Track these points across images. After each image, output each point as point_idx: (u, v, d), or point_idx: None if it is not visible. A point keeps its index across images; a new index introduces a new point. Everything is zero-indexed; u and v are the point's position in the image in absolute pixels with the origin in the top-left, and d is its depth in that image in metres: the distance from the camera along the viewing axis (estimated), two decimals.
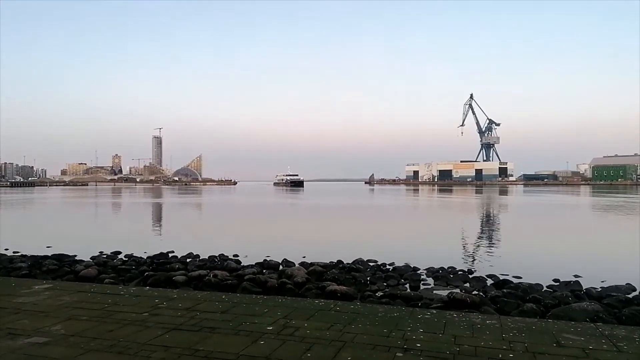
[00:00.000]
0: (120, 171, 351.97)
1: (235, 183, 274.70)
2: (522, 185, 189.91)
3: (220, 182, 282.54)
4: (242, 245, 17.58)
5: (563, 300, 8.96)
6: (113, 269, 12.48)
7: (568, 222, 33.37)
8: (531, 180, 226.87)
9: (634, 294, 10.18)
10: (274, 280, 10.51)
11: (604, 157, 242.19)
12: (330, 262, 13.31)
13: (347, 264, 13.19)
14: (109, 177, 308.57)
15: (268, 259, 13.80)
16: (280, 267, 12.96)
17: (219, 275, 10.77)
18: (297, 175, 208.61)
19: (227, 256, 14.70)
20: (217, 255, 14.76)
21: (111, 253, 15.60)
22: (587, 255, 17.50)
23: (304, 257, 14.42)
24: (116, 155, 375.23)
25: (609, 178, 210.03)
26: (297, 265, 13.01)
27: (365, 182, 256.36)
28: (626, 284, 10.95)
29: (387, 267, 13.40)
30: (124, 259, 14.44)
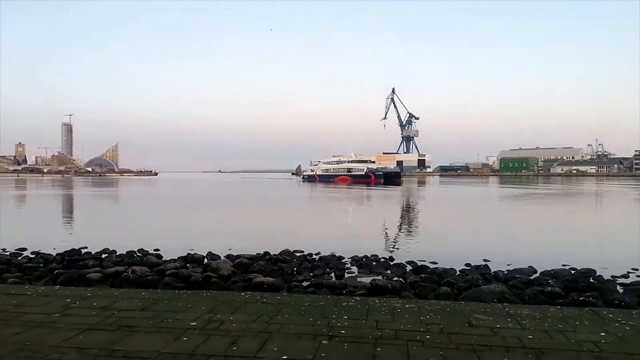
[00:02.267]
0: (25, 161, 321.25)
1: (155, 174, 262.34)
2: (439, 176, 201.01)
3: (140, 173, 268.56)
4: (164, 239, 16.91)
5: (474, 283, 9.66)
6: (17, 268, 11.44)
7: (478, 211, 35.92)
8: (446, 172, 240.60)
9: (535, 275, 11.21)
10: (198, 274, 10.23)
11: (510, 150, 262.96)
12: (257, 253, 13.23)
13: (274, 255, 13.18)
14: (11, 168, 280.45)
15: (192, 252, 13.39)
16: (205, 260, 12.65)
17: (138, 272, 10.27)
18: (373, 162, 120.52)
19: (147, 251, 14.05)
20: (136, 250, 14.06)
21: (15, 250, 14.29)
22: (495, 240, 18.97)
23: (230, 249, 14.20)
24: (20, 143, 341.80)
25: (514, 169, 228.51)
26: (222, 258, 12.77)
27: (293, 174, 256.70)
28: (528, 266, 12.01)
29: (314, 257, 13.59)
30: (30, 256, 13.29)
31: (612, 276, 11.05)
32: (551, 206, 40.31)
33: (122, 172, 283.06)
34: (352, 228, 24.00)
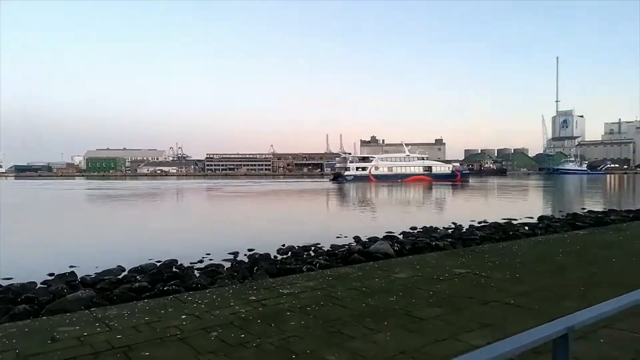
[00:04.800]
0: None
1: None
2: (14, 178, 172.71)
3: None
4: None
5: (58, 294, 8.85)
6: None
7: (60, 214, 33.15)
8: (24, 172, 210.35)
9: (123, 274, 11.38)
10: None
11: (98, 149, 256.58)
12: None
13: None
14: None
15: None
16: None
17: None
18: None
19: None
20: None
21: None
22: (81, 244, 18.00)
23: None
24: None
25: (102, 169, 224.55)
26: None
27: None
28: (117, 266, 12.06)
29: None
30: None
31: (190, 263, 12.63)
32: (137, 206, 41.99)
33: None
34: None
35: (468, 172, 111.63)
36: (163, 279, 10.11)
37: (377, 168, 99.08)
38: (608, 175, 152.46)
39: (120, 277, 10.90)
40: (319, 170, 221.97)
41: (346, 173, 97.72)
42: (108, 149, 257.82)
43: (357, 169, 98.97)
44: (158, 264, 12.24)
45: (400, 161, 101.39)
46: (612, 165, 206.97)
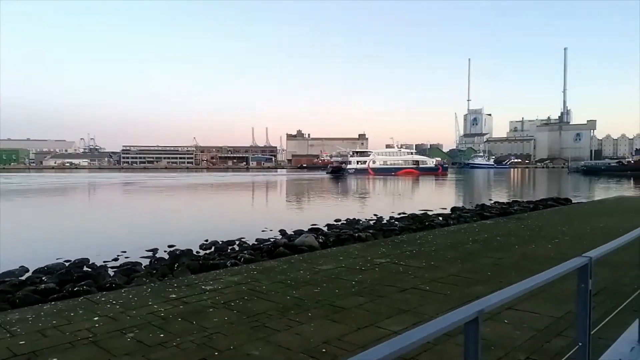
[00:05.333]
0: None
1: None
2: None
3: None
4: None
5: None
6: None
7: None
8: None
9: (27, 275, 10.46)
10: None
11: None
12: None
13: None
14: None
15: None
16: None
17: None
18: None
19: None
20: None
21: None
22: None
23: None
24: None
25: (2, 162, 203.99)
26: None
27: None
28: (20, 267, 11.05)
29: None
30: None
31: (104, 262, 11.89)
32: (43, 202, 38.70)
33: None
34: None
35: (447, 166, 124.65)
36: (73, 280, 9.42)
37: (374, 162, 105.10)
38: (512, 169, 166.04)
39: (23, 278, 10.00)
40: (245, 163, 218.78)
41: (348, 167, 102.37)
42: (9, 139, 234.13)
43: (357, 162, 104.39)
44: (67, 264, 11.39)
45: (393, 156, 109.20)
46: (516, 160, 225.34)
